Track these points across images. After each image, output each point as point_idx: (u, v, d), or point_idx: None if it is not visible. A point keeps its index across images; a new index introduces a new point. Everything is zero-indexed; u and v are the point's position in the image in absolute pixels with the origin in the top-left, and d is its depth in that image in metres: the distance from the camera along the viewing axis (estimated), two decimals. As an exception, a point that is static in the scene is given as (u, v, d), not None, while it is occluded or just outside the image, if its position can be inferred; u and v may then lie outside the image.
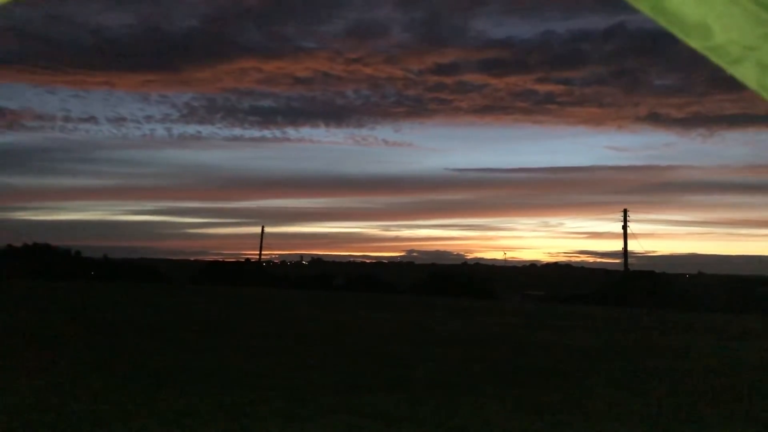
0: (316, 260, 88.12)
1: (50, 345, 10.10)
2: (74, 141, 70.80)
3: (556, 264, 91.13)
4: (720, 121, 57.37)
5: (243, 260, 50.53)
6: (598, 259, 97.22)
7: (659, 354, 11.60)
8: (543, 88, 58.60)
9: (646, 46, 51.76)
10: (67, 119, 65.35)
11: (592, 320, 19.00)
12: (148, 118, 66.57)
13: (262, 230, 47.07)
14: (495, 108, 62.00)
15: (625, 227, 37.67)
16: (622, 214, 37.76)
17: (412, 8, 55.94)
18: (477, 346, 11.79)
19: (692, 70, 45.21)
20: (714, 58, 0.84)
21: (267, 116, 68.39)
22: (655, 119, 60.36)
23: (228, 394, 6.91)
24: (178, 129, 75.33)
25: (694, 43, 0.84)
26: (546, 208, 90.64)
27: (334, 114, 69.20)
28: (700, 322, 19.48)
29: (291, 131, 78.01)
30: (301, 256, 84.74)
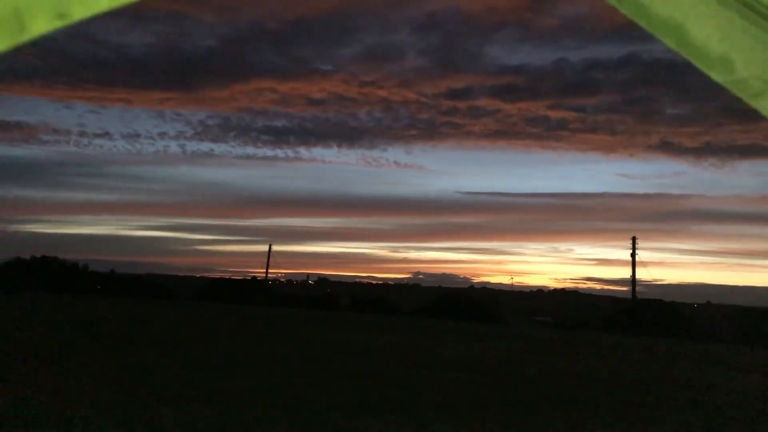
0: (323, 280, 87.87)
1: (56, 358, 10.12)
2: (88, 156, 71.33)
3: (563, 290, 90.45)
4: (732, 151, 57.26)
5: (249, 278, 50.48)
6: (606, 287, 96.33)
7: (667, 384, 11.48)
8: (555, 114, 58.79)
9: (659, 76, 51.96)
10: (82, 134, 66.00)
11: (600, 348, 18.84)
12: (163, 135, 67.10)
13: (269, 248, 47.20)
14: (507, 133, 62.21)
15: (633, 255, 37.53)
16: (631, 241, 37.66)
17: (427, 34, 56.58)
18: (483, 371, 11.72)
19: (705, 100, 45.33)
20: (736, 92, 0.87)
21: (280, 136, 68.98)
22: (667, 148, 60.32)
23: (233, 414, 6.89)
24: (191, 146, 75.74)
25: (717, 77, 0.87)
26: (555, 234, 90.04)
27: (347, 135, 69.66)
28: (709, 352, 19.29)
29: (303, 151, 78.44)
30: (308, 275, 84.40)
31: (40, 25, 0.75)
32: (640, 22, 0.92)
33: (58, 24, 0.76)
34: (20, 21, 0.74)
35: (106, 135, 63.85)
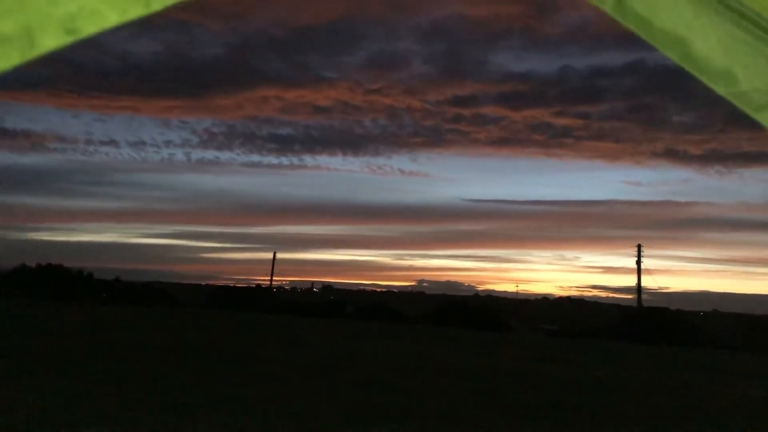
0: (327, 287, 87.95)
1: (61, 366, 10.13)
2: (94, 164, 71.82)
3: (568, 298, 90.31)
4: (738, 158, 57.31)
5: (254, 286, 50.55)
6: (611, 294, 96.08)
7: (673, 392, 11.42)
8: (560, 121, 58.89)
9: (664, 83, 52.04)
10: (88, 142, 66.59)
11: (605, 356, 18.77)
12: (168, 143, 67.67)
13: (274, 256, 47.26)
14: (512, 140, 62.39)
15: (639, 262, 37.43)
16: (637, 249, 37.57)
17: (432, 41, 56.94)
18: (488, 379, 11.68)
19: (710, 107, 45.37)
20: (739, 104, 0.88)
21: (285, 144, 69.38)
22: (673, 155, 60.32)
23: (237, 421, 6.89)
24: (196, 154, 76.30)
25: (720, 90, 0.88)
26: (560, 242, 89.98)
27: (352, 143, 69.94)
28: (715, 360, 19.18)
29: (308, 159, 78.93)
30: (312, 282, 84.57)
31: (50, 41, 0.76)
32: (643, 36, 0.92)
33: (67, 40, 0.78)
34: (30, 37, 0.75)
35: (112, 143, 64.36)
